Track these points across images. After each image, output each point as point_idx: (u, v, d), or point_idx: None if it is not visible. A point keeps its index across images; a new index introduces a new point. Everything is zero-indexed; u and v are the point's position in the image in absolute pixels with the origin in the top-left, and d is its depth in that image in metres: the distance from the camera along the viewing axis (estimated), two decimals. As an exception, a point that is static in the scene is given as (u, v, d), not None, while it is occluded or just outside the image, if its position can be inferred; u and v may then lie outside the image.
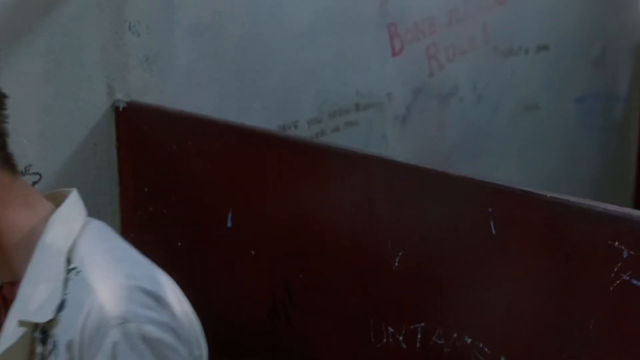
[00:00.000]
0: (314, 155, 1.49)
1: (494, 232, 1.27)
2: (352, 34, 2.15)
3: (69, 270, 1.12)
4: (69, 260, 1.13)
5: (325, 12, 2.09)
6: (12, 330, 1.11)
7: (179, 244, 1.73)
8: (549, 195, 1.22)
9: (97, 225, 1.24)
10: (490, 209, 1.27)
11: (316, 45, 2.08)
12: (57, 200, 1.23)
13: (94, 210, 1.78)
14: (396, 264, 1.39)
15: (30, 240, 1.16)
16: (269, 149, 1.56)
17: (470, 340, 1.33)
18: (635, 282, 1.15)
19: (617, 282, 1.17)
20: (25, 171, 1.68)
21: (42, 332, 1.10)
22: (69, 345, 1.07)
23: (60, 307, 1.11)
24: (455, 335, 1.35)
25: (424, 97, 2.32)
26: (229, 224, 1.62)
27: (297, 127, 2.09)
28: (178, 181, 1.71)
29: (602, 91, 2.76)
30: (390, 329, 1.43)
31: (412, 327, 1.40)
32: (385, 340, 1.44)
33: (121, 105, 1.76)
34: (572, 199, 1.21)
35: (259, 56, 1.99)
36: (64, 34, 1.69)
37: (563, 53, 2.63)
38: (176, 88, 1.86)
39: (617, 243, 1.16)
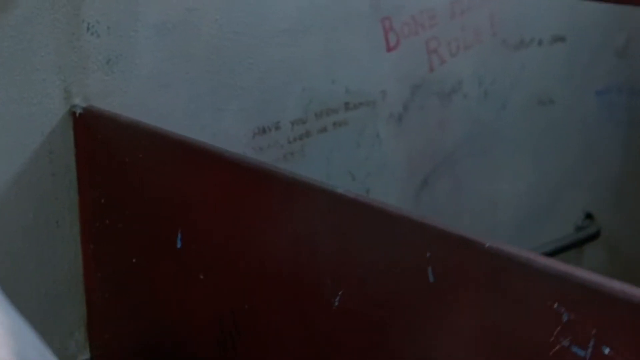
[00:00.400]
0: (258, 177, 1.38)
1: (431, 279, 1.15)
2: (342, 30, 2.02)
3: None
4: None
5: (311, 6, 1.96)
6: None
7: (134, 260, 1.63)
8: (487, 245, 1.09)
9: None
10: (428, 254, 1.15)
11: (301, 42, 1.96)
12: None
13: (52, 220, 1.72)
14: (336, 304, 1.28)
15: None
16: (214, 168, 1.45)
17: (411, 392, 1.22)
18: (575, 349, 1.02)
19: (557, 347, 1.04)
20: (-26, 181, 1.61)
21: None
22: None
23: None
24: (396, 385, 1.24)
25: (423, 94, 2.18)
26: (179, 245, 1.52)
27: (279, 129, 1.97)
28: (131, 195, 1.62)
29: (627, 83, 2.58)
30: (333, 372, 1.32)
31: (353, 372, 1.29)
32: (327, 383, 1.33)
33: (78, 111, 1.67)
34: (512, 250, 1.08)
35: (236, 55, 1.87)
36: (15, 37, 1.60)
37: (582, 44, 2.46)
38: (141, 90, 1.76)
39: (557, 305, 1.03)
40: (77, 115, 1.67)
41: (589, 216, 2.60)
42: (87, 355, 1.79)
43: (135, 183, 1.59)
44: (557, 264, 1.04)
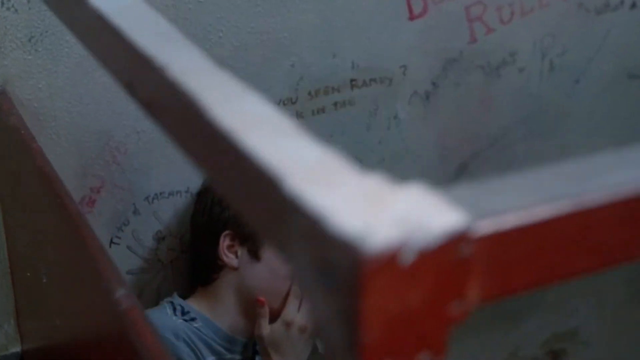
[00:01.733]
0: (82, 241, 1.13)
1: None
2: (345, -6, 1.68)
3: None
4: None
5: (305, -34, 1.63)
6: None
7: (44, 280, 1.45)
8: None
9: None
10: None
11: (289, 8, 1.64)
12: None
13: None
14: None
15: None
16: (64, 215, 1.21)
17: None
18: None
19: None
20: None
21: None
22: None
23: None
24: None
25: (460, 69, 1.80)
26: (44, 279, 1.33)
27: (260, 110, 1.69)
28: (18, 207, 1.43)
29: None
30: None
31: None
32: None
33: (-12, 96, 1.48)
34: None
35: (200, 26, 1.59)
36: None
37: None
38: (75, 70, 1.54)
39: None
40: (-13, 100, 1.48)
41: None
42: (17, 348, 1.67)
43: (19, 196, 1.40)
44: None
